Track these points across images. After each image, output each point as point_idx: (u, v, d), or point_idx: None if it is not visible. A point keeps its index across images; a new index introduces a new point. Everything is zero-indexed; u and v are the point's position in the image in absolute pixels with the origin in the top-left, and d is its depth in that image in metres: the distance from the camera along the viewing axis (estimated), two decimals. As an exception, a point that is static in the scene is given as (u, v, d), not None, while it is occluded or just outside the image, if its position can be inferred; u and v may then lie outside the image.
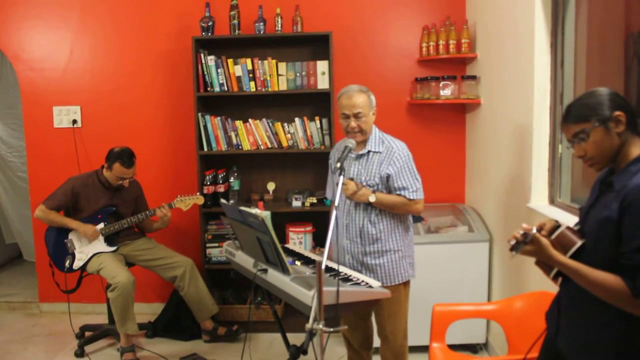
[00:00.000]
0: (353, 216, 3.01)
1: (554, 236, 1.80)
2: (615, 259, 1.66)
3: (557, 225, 1.86)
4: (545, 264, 1.83)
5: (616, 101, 1.75)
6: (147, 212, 4.06)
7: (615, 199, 1.69)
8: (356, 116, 2.90)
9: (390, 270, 2.98)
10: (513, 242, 1.77)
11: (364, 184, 2.94)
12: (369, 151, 2.97)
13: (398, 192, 2.91)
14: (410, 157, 2.97)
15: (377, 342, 3.21)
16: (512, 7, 3.46)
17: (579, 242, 1.76)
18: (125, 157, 3.91)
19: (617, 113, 1.72)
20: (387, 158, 2.92)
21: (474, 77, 4.15)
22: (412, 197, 2.91)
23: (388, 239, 2.97)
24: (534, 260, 1.86)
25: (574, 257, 1.75)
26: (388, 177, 2.91)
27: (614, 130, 1.73)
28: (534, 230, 1.75)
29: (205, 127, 4.34)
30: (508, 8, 3.53)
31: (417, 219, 3.95)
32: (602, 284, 1.65)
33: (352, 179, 2.94)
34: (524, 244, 1.74)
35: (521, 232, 1.76)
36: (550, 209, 3.06)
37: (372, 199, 2.87)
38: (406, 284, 3.06)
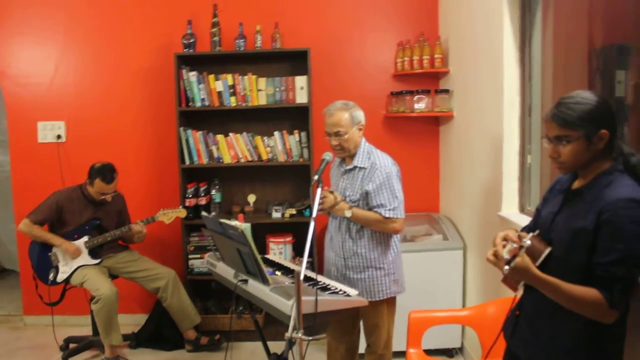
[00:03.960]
0: (337, 230, 3.04)
1: None
2: (587, 269, 1.68)
3: (519, 235, 1.88)
4: (512, 279, 1.85)
5: (606, 115, 1.73)
6: (126, 227, 4.10)
7: (589, 211, 1.70)
8: (336, 134, 2.91)
9: (370, 287, 2.97)
10: (508, 255, 1.74)
11: (348, 199, 2.95)
12: (355, 166, 2.98)
13: (375, 210, 2.89)
14: (393, 174, 2.92)
15: (362, 348, 3.24)
16: (482, 23, 3.56)
17: (547, 250, 1.78)
18: (107, 172, 3.94)
19: (604, 132, 1.71)
20: (369, 174, 2.92)
21: (447, 91, 4.25)
22: (387, 215, 2.87)
23: (369, 255, 2.97)
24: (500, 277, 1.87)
25: (541, 264, 1.77)
26: (367, 193, 2.90)
27: (595, 146, 1.73)
28: (527, 242, 1.75)
29: (187, 141, 4.40)
30: (478, 24, 3.63)
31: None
32: (579, 298, 1.67)
33: (332, 192, 2.94)
34: (518, 256, 1.73)
35: (514, 244, 1.75)
36: (521, 217, 3.13)
37: (347, 214, 2.88)
38: (390, 299, 3.06)
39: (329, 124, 2.93)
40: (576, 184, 1.84)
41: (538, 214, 2.01)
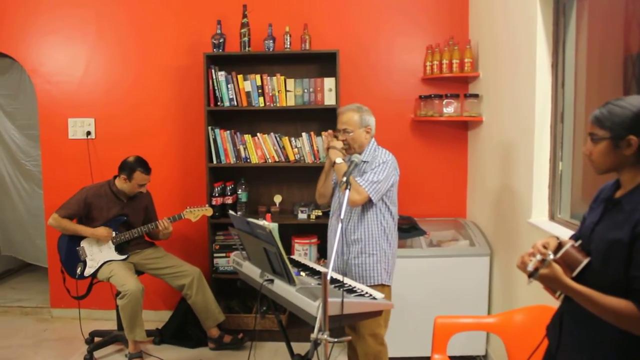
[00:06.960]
0: (338, 218, 3.12)
1: (559, 255, 1.77)
2: (625, 281, 1.63)
3: (560, 242, 1.85)
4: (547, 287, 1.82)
5: None
6: (154, 224, 4.15)
7: (626, 221, 1.66)
8: (344, 131, 3.14)
9: (363, 272, 3.12)
10: (531, 268, 1.73)
11: None
12: (362, 161, 3.15)
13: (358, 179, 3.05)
14: (389, 164, 3.09)
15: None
16: (514, 28, 3.53)
17: (585, 261, 1.74)
18: (145, 163, 4.06)
19: (631, 137, 1.67)
20: (371, 164, 3.11)
21: (476, 96, 4.22)
22: (359, 182, 3.01)
23: (366, 242, 3.11)
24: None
25: (579, 274, 1.74)
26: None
27: (622, 151, 1.69)
28: (551, 256, 1.73)
29: (214, 140, 4.42)
30: (510, 29, 3.60)
31: (420, 232, 4.03)
32: (614, 310, 1.63)
33: (352, 161, 2.97)
34: (542, 268, 1.72)
35: (538, 257, 1.73)
36: (551, 225, 3.09)
37: (338, 160, 3.06)
38: (384, 288, 3.13)
39: (339, 121, 3.18)
40: (617, 194, 1.79)
41: (583, 222, 1.97)
